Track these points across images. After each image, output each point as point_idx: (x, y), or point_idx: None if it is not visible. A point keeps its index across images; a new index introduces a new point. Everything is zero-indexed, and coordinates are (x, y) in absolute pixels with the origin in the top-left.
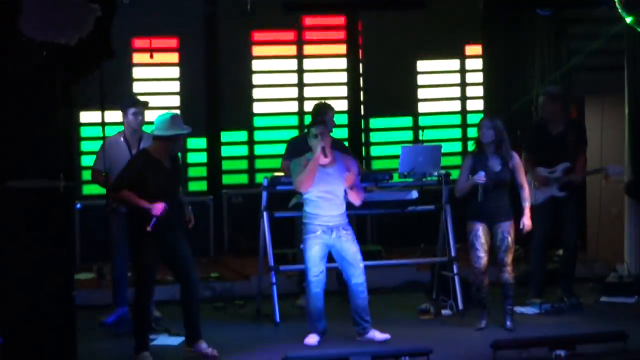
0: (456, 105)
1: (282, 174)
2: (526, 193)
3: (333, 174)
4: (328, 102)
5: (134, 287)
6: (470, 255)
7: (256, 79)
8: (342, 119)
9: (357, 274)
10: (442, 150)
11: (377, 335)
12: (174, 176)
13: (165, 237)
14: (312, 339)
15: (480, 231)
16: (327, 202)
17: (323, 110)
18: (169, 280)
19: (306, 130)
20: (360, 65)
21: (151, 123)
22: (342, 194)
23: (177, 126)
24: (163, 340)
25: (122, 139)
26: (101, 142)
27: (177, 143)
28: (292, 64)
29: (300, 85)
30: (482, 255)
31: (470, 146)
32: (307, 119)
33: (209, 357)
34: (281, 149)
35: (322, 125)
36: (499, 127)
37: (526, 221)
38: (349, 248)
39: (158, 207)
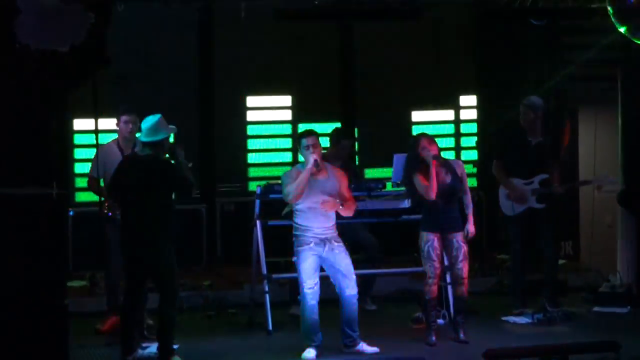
0: (449, 115)
1: (277, 181)
2: (469, 199)
3: (325, 185)
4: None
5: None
6: (425, 266)
7: (250, 88)
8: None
9: (351, 286)
10: None
11: (365, 347)
12: None
13: None
14: (310, 353)
15: (436, 242)
16: (318, 214)
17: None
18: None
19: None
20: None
21: None
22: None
23: (162, 129)
24: (155, 348)
25: (115, 146)
26: (94, 149)
27: (164, 145)
28: (286, 74)
29: (295, 93)
30: (438, 266)
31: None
32: (300, 127)
33: None
34: (274, 157)
35: (313, 136)
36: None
37: (470, 228)
38: (342, 260)
39: None
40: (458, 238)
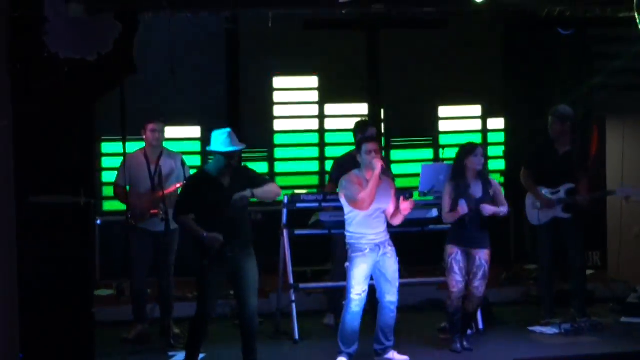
0: (477, 124)
1: (303, 191)
2: (504, 209)
3: (381, 193)
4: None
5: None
6: (448, 279)
7: (277, 97)
8: None
9: (392, 292)
10: None
11: (396, 356)
12: (231, 192)
13: (227, 255)
14: None
15: (460, 255)
16: (374, 220)
17: (364, 128)
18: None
19: (354, 147)
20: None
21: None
22: (385, 211)
23: (234, 142)
24: (182, 357)
25: (142, 155)
26: (122, 158)
27: (234, 159)
28: (312, 81)
29: (321, 103)
30: (461, 280)
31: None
32: (327, 137)
33: None
34: (301, 166)
35: (375, 141)
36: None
37: (488, 207)
38: (391, 266)
39: (212, 240)
40: (481, 255)
